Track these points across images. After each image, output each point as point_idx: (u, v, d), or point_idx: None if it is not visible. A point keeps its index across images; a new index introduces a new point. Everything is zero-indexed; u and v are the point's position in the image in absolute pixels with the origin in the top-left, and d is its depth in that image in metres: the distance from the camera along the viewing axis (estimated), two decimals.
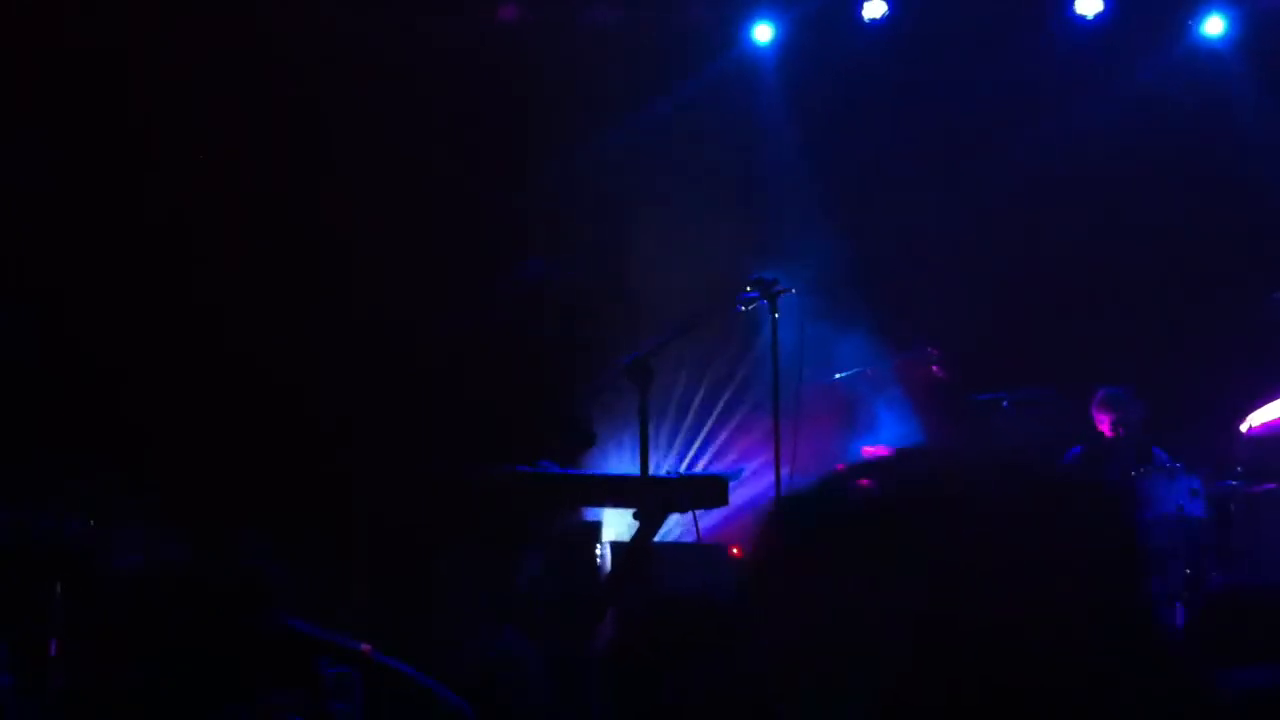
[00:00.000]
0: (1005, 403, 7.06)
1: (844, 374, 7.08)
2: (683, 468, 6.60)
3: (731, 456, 6.48)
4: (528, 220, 8.04)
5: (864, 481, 1.23)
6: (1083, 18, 8.14)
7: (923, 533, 1.14)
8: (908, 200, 8.02)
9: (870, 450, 6.88)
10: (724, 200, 8.14)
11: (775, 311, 5.91)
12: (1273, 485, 6.69)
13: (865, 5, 8.18)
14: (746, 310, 6.08)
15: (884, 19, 8.19)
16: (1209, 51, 8.20)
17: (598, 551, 5.88)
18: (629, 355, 5.60)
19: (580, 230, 8.03)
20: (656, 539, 5.40)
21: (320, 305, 7.26)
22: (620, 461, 6.89)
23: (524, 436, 5.76)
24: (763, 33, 8.37)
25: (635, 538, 5.14)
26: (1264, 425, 6.72)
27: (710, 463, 6.61)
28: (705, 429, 6.95)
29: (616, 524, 5.92)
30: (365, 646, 2.55)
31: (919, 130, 8.10)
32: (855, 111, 8.16)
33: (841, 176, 8.10)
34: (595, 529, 6.10)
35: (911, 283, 7.73)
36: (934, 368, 7.27)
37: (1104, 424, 7.12)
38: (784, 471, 5.70)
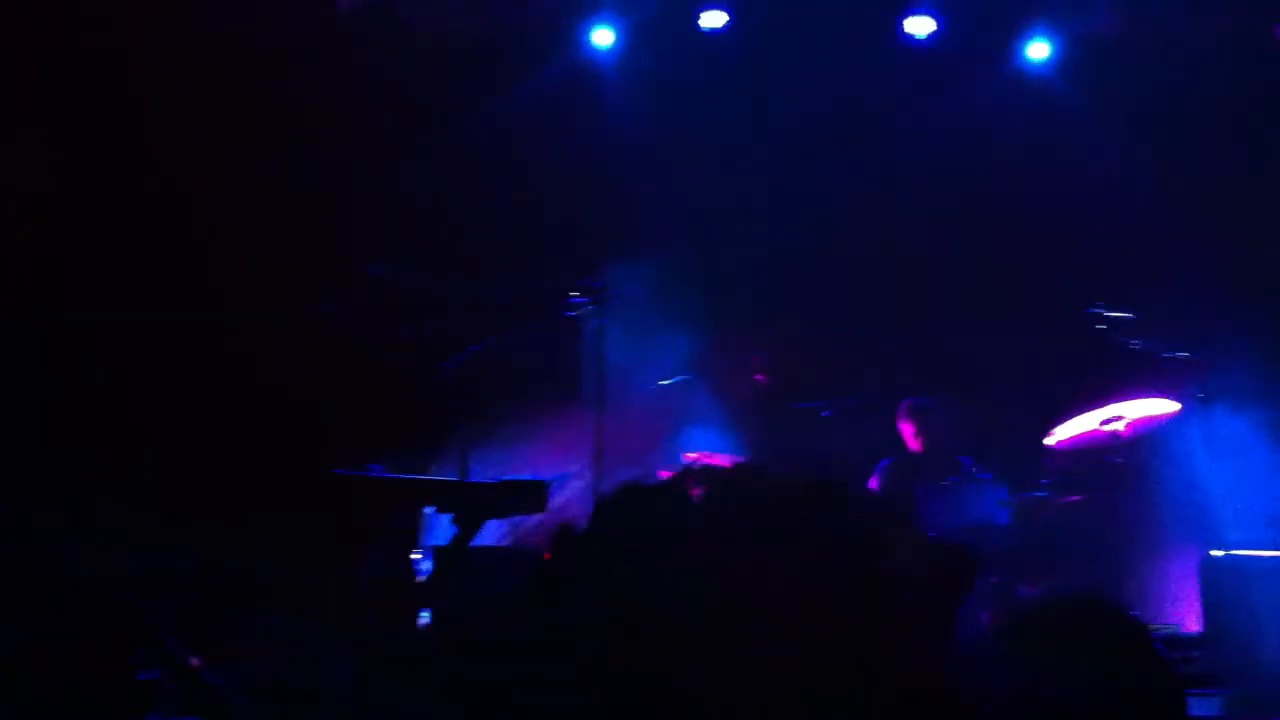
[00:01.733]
0: (825, 412, 7.20)
1: (668, 380, 7.14)
2: (502, 473, 6.58)
3: (553, 461, 6.49)
4: (366, 221, 7.92)
5: (695, 490, 1.24)
6: (913, 37, 8.36)
7: (733, 546, 1.15)
8: (741, 209, 8.13)
9: (692, 457, 6.95)
10: (562, 203, 8.14)
11: (601, 316, 5.93)
12: (1078, 497, 6.95)
13: (704, 14, 8.27)
14: (574, 314, 6.09)
15: (723, 29, 8.30)
16: (1034, 74, 8.49)
17: (417, 555, 5.83)
18: (455, 359, 5.56)
19: (419, 230, 7.94)
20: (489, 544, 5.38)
21: (150, 304, 7.05)
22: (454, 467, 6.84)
23: (356, 439, 5.68)
24: (603, 37, 8.39)
25: (452, 542, 5.10)
26: (1070, 439, 6.97)
27: (531, 468, 6.60)
28: (529, 434, 6.93)
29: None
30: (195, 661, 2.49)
31: (755, 140, 8.22)
32: (694, 120, 8.25)
33: (678, 184, 8.17)
34: (415, 533, 6.04)
35: (740, 290, 7.84)
36: (756, 375, 7.38)
37: (907, 434, 7.32)
38: (602, 476, 5.72)
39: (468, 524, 5.05)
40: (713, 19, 8.28)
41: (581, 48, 8.41)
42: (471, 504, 5.06)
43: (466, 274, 7.26)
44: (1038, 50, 8.45)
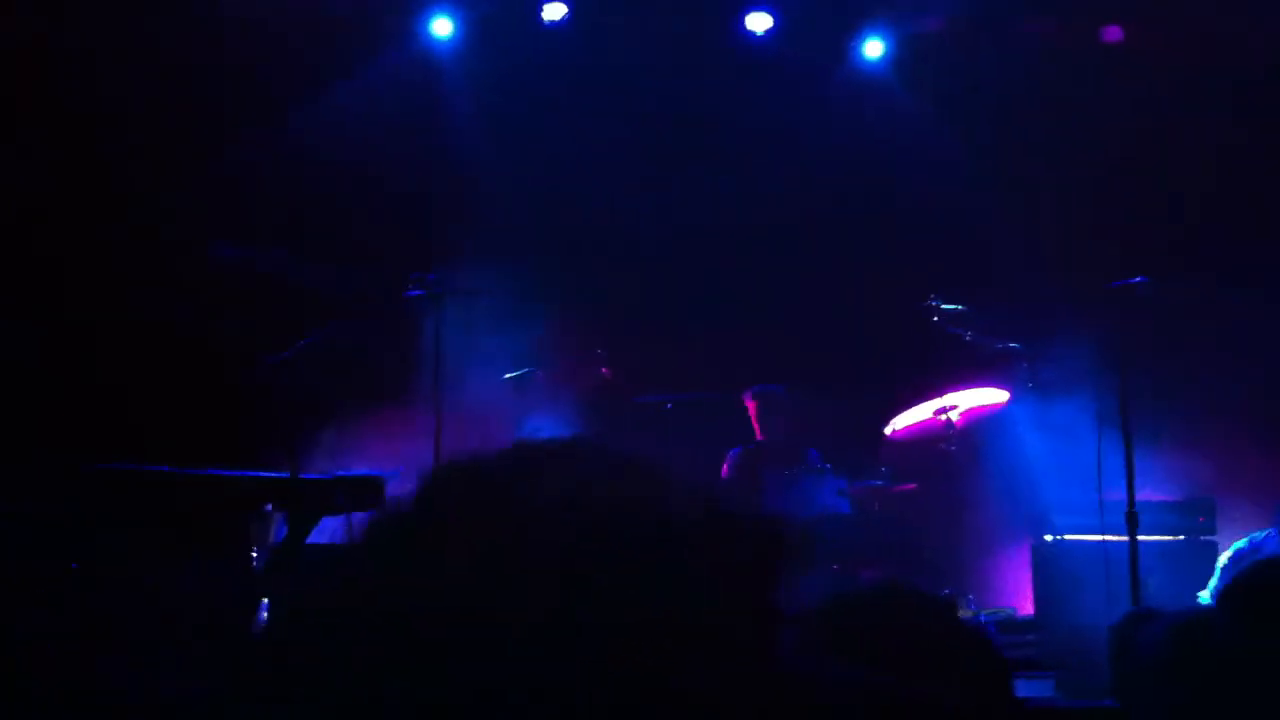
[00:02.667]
0: (669, 404, 7.23)
1: (512, 374, 7.07)
2: (339, 468, 6.43)
3: (390, 456, 6.37)
4: (207, 208, 7.67)
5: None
6: (753, 33, 8.43)
7: (542, 529, 1.10)
8: (584, 201, 8.11)
9: None
10: (401, 194, 8.00)
11: (439, 310, 5.84)
12: (913, 485, 7.10)
13: (545, 7, 8.21)
14: (410, 307, 5.99)
15: (564, 21, 8.26)
16: (870, 72, 8.64)
17: (254, 555, 5.65)
18: (284, 352, 5.41)
19: (259, 218, 7.72)
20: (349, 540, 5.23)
21: None
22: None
23: (181, 434, 5.49)
24: (441, 26, 8.28)
25: (284, 540, 4.96)
26: (906, 429, 7.11)
27: (367, 462, 6.47)
28: (366, 428, 6.80)
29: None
30: None
31: (597, 133, 8.20)
32: (536, 111, 8.19)
33: (521, 175, 8.10)
34: (248, 531, 5.86)
35: (582, 284, 7.82)
36: (601, 369, 7.37)
37: (752, 417, 7.40)
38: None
39: (300, 521, 4.91)
40: (554, 11, 8.23)
41: (420, 37, 8.28)
42: (304, 501, 4.93)
43: (301, 263, 7.09)
44: (873, 48, 8.59)
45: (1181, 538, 6.69)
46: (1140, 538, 5.89)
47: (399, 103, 8.07)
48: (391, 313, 6.30)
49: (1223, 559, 6.13)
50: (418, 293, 5.86)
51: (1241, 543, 6.01)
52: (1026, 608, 7.30)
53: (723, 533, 1.13)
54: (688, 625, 1.07)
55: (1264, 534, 5.77)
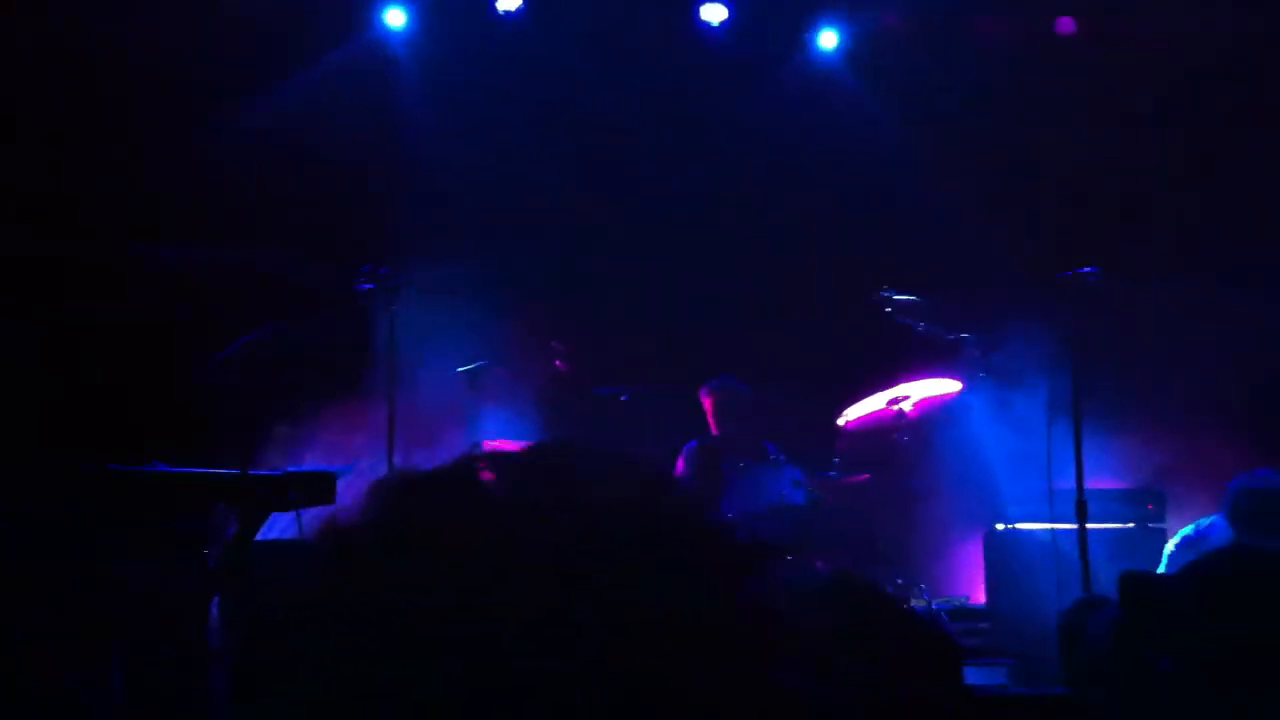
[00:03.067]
0: (625, 396, 7.22)
1: (467, 367, 7.04)
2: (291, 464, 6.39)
3: (345, 451, 6.33)
4: (149, 204, 7.58)
5: (487, 475, 1.18)
6: (708, 25, 8.43)
7: (537, 530, 1.09)
8: (540, 193, 8.09)
9: (492, 444, 6.87)
10: (356, 186, 7.94)
11: (392, 303, 5.81)
12: (866, 476, 7.13)
13: None
14: (362, 300, 5.95)
15: (518, 12, 8.22)
16: (824, 63, 8.66)
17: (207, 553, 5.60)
18: (226, 350, 5.36)
19: (205, 214, 7.64)
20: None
21: None
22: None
23: (140, 432, 5.44)
24: (394, 17, 8.22)
25: (234, 536, 4.92)
26: (860, 419, 7.15)
27: (322, 458, 6.43)
28: (316, 423, 6.74)
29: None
30: None
31: (554, 124, 8.18)
32: (492, 102, 8.15)
33: (475, 167, 8.06)
34: (203, 529, 5.80)
35: (538, 276, 7.80)
36: (557, 361, 7.35)
37: (708, 413, 7.41)
38: (394, 465, 5.60)
39: (251, 518, 4.87)
40: (508, 1, 8.20)
41: (374, 28, 8.22)
42: (254, 497, 4.89)
43: (252, 258, 7.02)
44: (827, 40, 8.61)
45: (1131, 526, 6.77)
46: (1090, 526, 5.95)
47: (352, 94, 8.01)
48: (344, 306, 6.25)
49: (1170, 546, 6.20)
50: (369, 286, 5.83)
51: (1188, 529, 6.09)
52: (979, 596, 7.36)
53: (715, 532, 1.13)
54: (686, 625, 1.07)
55: (1209, 520, 5.84)
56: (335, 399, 6.55)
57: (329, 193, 7.73)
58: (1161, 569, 6.25)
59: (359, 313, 6.34)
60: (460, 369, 7.02)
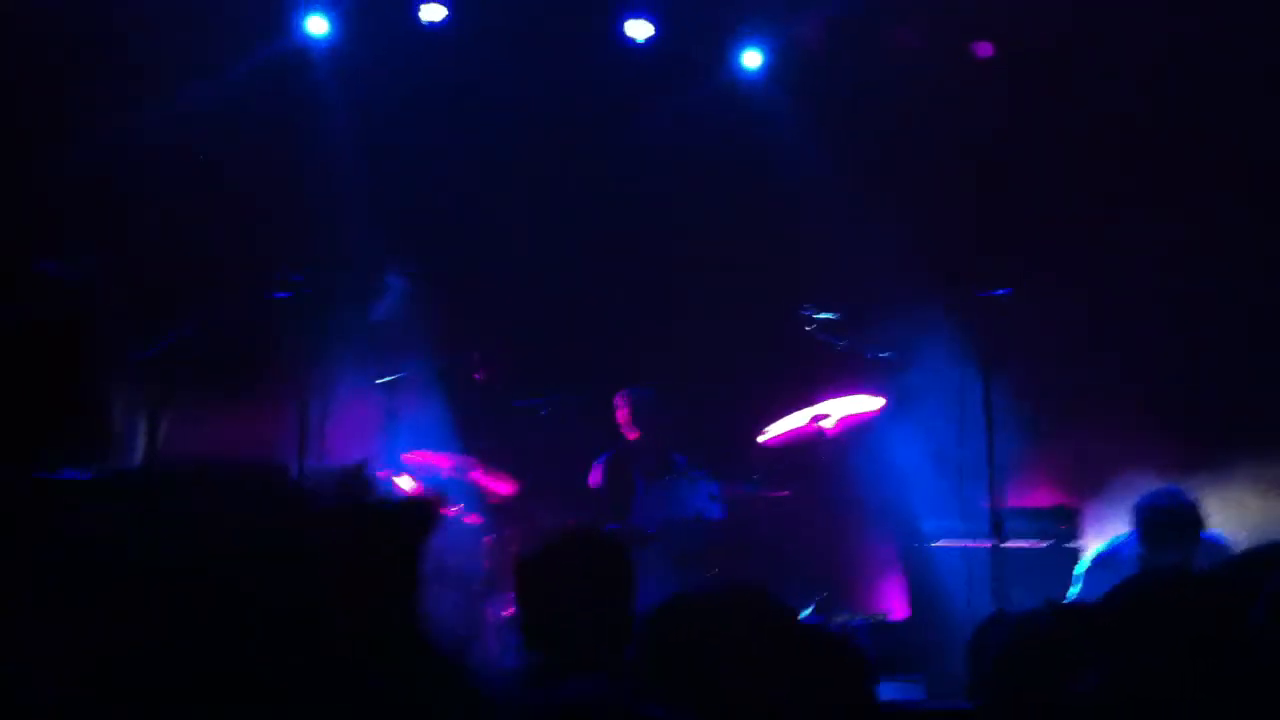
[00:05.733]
0: (544, 410, 7.18)
1: (385, 378, 6.96)
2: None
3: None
4: (48, 213, 7.40)
5: None
6: (633, 40, 8.42)
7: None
8: (461, 204, 8.04)
9: (410, 457, 6.80)
10: (274, 193, 7.82)
11: (308, 311, 5.73)
12: (787, 491, 7.14)
13: (423, 7, 8.12)
14: (279, 308, 5.86)
15: (443, 23, 8.16)
16: (748, 81, 8.69)
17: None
18: (143, 352, 5.25)
19: (114, 218, 7.48)
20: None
21: None
22: None
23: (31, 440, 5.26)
24: (316, 24, 8.12)
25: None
26: (781, 436, 7.16)
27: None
28: (230, 431, 6.63)
29: None
30: None
31: (475, 135, 8.13)
32: (414, 111, 8.07)
33: (397, 176, 7.98)
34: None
35: (457, 287, 7.74)
36: (474, 373, 7.29)
37: (623, 422, 7.39)
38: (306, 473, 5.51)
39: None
40: (432, 12, 8.14)
41: (294, 35, 8.12)
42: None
43: (165, 264, 6.89)
44: (751, 59, 8.64)
45: (1045, 544, 6.83)
46: (1005, 544, 6.01)
47: (271, 101, 7.89)
48: (258, 314, 6.15)
49: (1084, 562, 6.28)
50: (284, 295, 5.74)
51: (1102, 546, 6.17)
52: (898, 612, 7.40)
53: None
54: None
55: (1123, 537, 5.93)
56: (250, 406, 6.44)
57: (248, 198, 7.61)
58: (1076, 586, 6.33)
59: (275, 320, 6.24)
60: (379, 380, 6.94)
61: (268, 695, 1.07)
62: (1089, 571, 6.11)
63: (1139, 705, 2.13)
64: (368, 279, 6.40)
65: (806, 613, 6.63)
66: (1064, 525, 6.90)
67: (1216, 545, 5.68)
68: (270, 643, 1.08)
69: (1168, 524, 5.54)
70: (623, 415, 7.39)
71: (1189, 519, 5.58)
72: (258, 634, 1.08)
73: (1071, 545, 6.83)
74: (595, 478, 7.32)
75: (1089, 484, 7.35)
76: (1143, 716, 2.09)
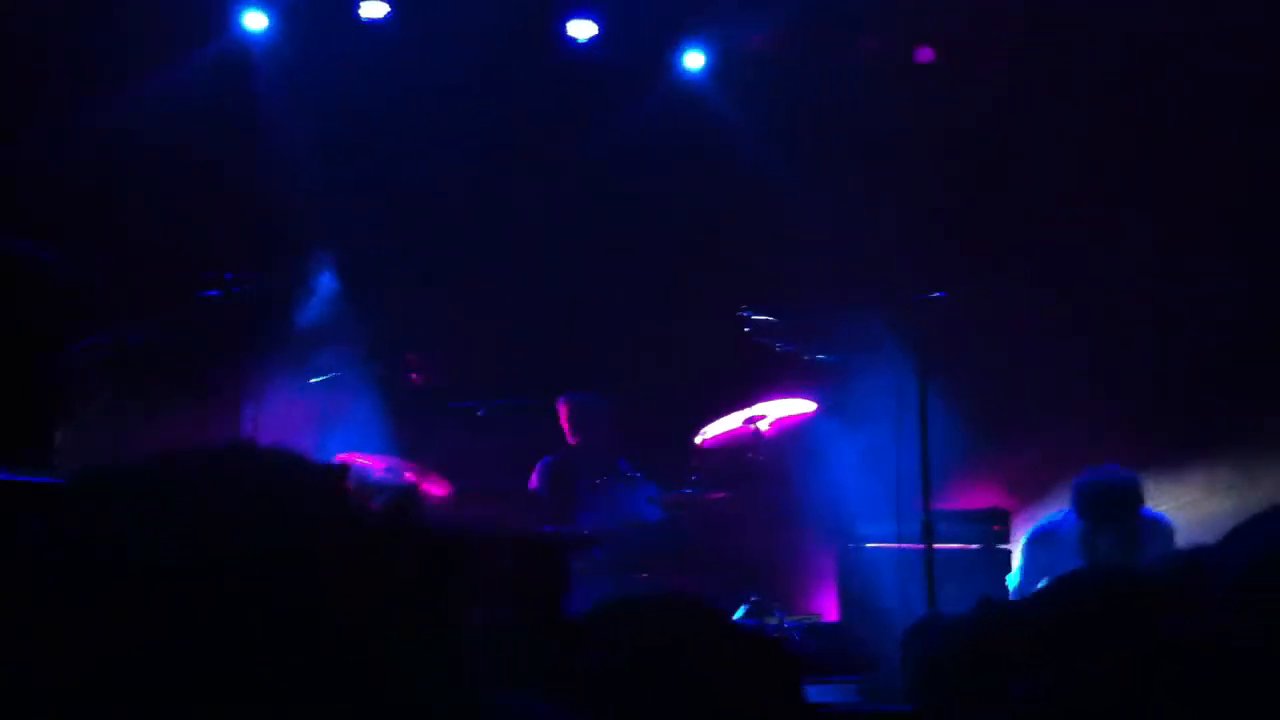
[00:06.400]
0: (481, 411, 7.14)
1: (319, 378, 6.89)
2: None
3: None
4: None
5: None
6: (576, 40, 8.41)
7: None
8: (398, 203, 7.98)
9: (344, 458, 6.73)
10: (209, 190, 7.72)
11: (240, 311, 5.66)
12: (723, 494, 7.16)
13: (363, 5, 8.06)
14: (209, 308, 5.78)
15: (384, 20, 8.11)
16: (690, 83, 8.71)
17: None
18: (71, 349, 5.16)
19: (41, 216, 7.34)
20: None
21: None
22: None
23: None
24: (254, 20, 8.04)
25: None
26: (717, 438, 7.18)
27: None
28: (154, 433, 6.53)
29: None
30: None
31: (415, 133, 8.07)
32: (353, 108, 8.01)
33: (333, 174, 7.91)
34: None
35: (394, 287, 7.69)
36: (411, 374, 7.24)
37: (565, 426, 7.39)
38: None
39: None
40: (373, 9, 8.08)
41: (232, 30, 8.03)
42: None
43: (91, 262, 6.76)
44: (693, 60, 8.66)
45: (976, 546, 6.90)
46: (937, 546, 6.06)
47: (209, 98, 7.80)
48: (190, 313, 6.06)
49: (1021, 542, 6.36)
50: (215, 293, 5.66)
51: (1041, 521, 6.24)
52: (833, 614, 7.44)
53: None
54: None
55: (1061, 514, 6.00)
56: (182, 405, 6.34)
57: (179, 198, 7.51)
58: (1017, 566, 6.39)
59: (208, 319, 6.16)
60: (312, 379, 6.87)
61: (268, 695, 1.06)
62: (1027, 547, 6.14)
63: (1077, 711, 2.14)
64: (301, 278, 6.32)
65: (739, 614, 6.65)
66: (996, 527, 6.97)
67: (1158, 523, 5.73)
68: (270, 643, 1.08)
69: (1106, 499, 5.58)
70: (564, 417, 7.38)
71: (1128, 494, 5.61)
72: (258, 634, 1.07)
73: (1003, 547, 6.91)
74: (535, 481, 7.30)
75: (1030, 488, 7.43)
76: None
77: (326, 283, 6.70)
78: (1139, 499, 5.65)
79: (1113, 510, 5.57)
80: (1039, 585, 5.92)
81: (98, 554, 1.07)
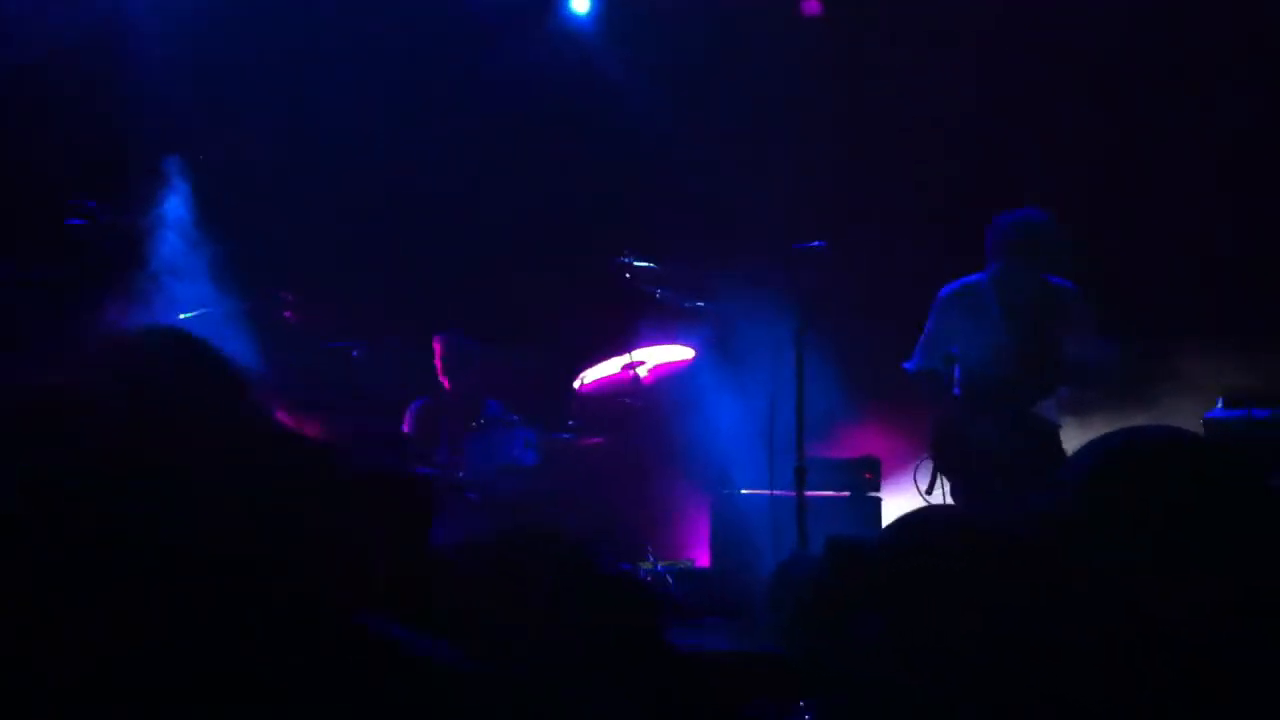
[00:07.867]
0: (355, 352, 7.05)
1: (189, 314, 6.72)
2: None
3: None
4: None
5: None
6: None
7: None
8: (275, 139, 7.80)
9: None
10: (76, 114, 7.42)
11: (106, 240, 5.49)
12: (600, 439, 7.18)
13: None
14: (73, 236, 5.60)
15: None
16: (577, 27, 8.63)
17: None
18: None
19: None
20: None
21: None
22: None
23: None
24: None
25: None
26: (595, 383, 7.18)
27: None
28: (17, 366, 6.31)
29: None
30: None
31: (295, 65, 7.89)
32: (234, 38, 7.77)
33: (204, 105, 7.67)
34: None
35: (268, 223, 7.51)
36: (286, 312, 7.11)
37: (439, 369, 7.33)
38: None
39: None
40: None
41: None
42: None
43: None
44: (579, 4, 8.58)
45: (847, 494, 7.02)
46: (809, 493, 6.14)
47: (77, 18, 7.49)
48: (53, 241, 5.86)
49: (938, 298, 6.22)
50: (79, 222, 5.48)
51: (954, 282, 6.07)
52: (706, 560, 7.52)
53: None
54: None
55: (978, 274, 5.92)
56: (39, 339, 6.13)
57: (45, 118, 7.23)
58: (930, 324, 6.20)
59: (70, 248, 5.96)
60: (180, 315, 6.70)
61: (268, 695, 1.03)
62: (940, 305, 6.05)
63: (919, 649, 2.19)
64: (153, 207, 6.12)
65: (611, 558, 6.68)
66: (868, 475, 7.09)
67: (1068, 291, 5.67)
68: (270, 643, 1.05)
69: (1022, 237, 5.55)
70: (438, 359, 7.32)
71: (1044, 235, 5.53)
72: (258, 634, 1.05)
73: (874, 495, 7.03)
74: (408, 423, 7.24)
75: (903, 438, 7.53)
76: (924, 664, 2.15)
77: (177, 212, 6.50)
78: (1055, 245, 5.52)
79: (1027, 247, 5.45)
80: (952, 349, 5.87)
81: (98, 554, 1.04)
